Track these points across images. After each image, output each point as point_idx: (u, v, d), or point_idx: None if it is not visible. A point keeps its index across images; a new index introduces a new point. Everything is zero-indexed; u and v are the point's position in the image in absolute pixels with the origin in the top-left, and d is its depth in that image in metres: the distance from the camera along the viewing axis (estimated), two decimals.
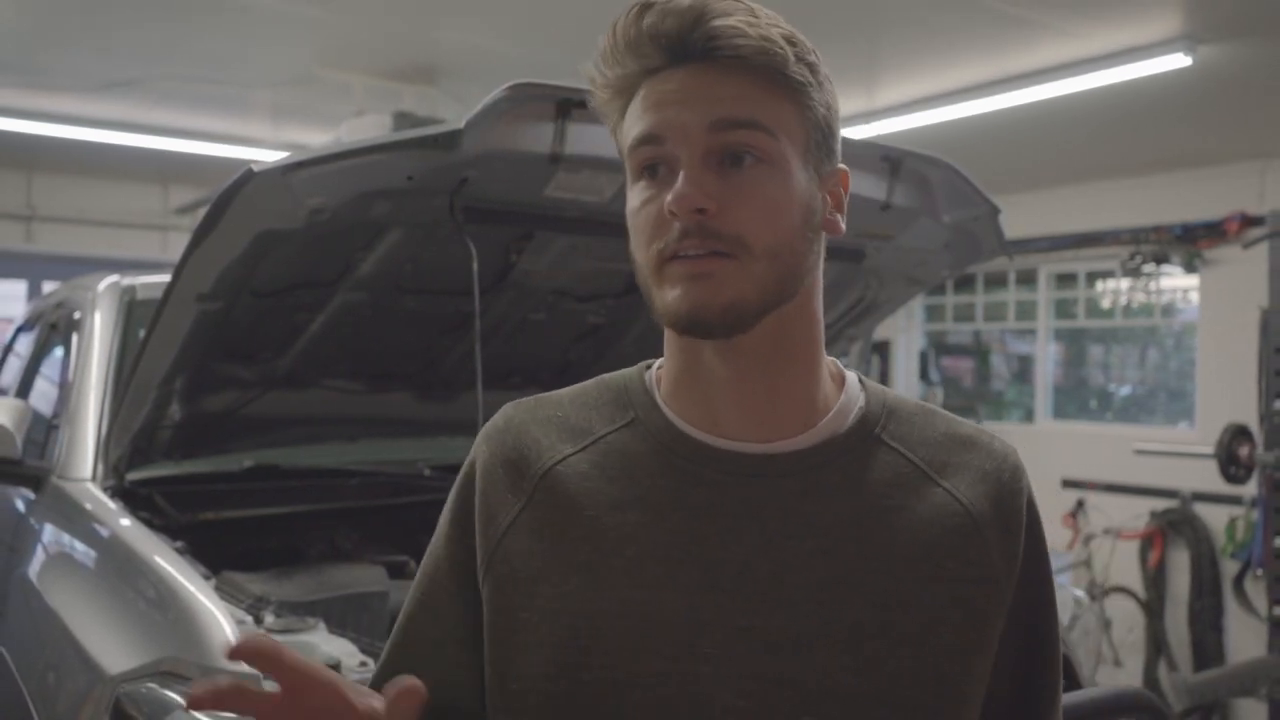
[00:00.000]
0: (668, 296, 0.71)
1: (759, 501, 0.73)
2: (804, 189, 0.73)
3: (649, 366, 0.82)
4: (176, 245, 5.76)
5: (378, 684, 0.82)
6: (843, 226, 0.77)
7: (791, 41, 0.72)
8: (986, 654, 0.75)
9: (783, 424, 0.75)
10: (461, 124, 1.51)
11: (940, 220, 2.08)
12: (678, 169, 0.71)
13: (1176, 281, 5.26)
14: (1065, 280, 5.78)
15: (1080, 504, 5.21)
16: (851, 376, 0.80)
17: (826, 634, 0.70)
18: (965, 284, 6.17)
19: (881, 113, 4.15)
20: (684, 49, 0.71)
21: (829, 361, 0.79)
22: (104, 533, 1.85)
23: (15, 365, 3.08)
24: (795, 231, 0.72)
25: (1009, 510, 0.76)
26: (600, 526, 0.73)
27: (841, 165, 0.77)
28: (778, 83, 0.71)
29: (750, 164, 0.70)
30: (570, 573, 0.73)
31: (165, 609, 1.53)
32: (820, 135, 0.74)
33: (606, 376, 0.83)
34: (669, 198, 0.69)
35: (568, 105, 1.59)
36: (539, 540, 0.74)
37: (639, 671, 0.70)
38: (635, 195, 0.74)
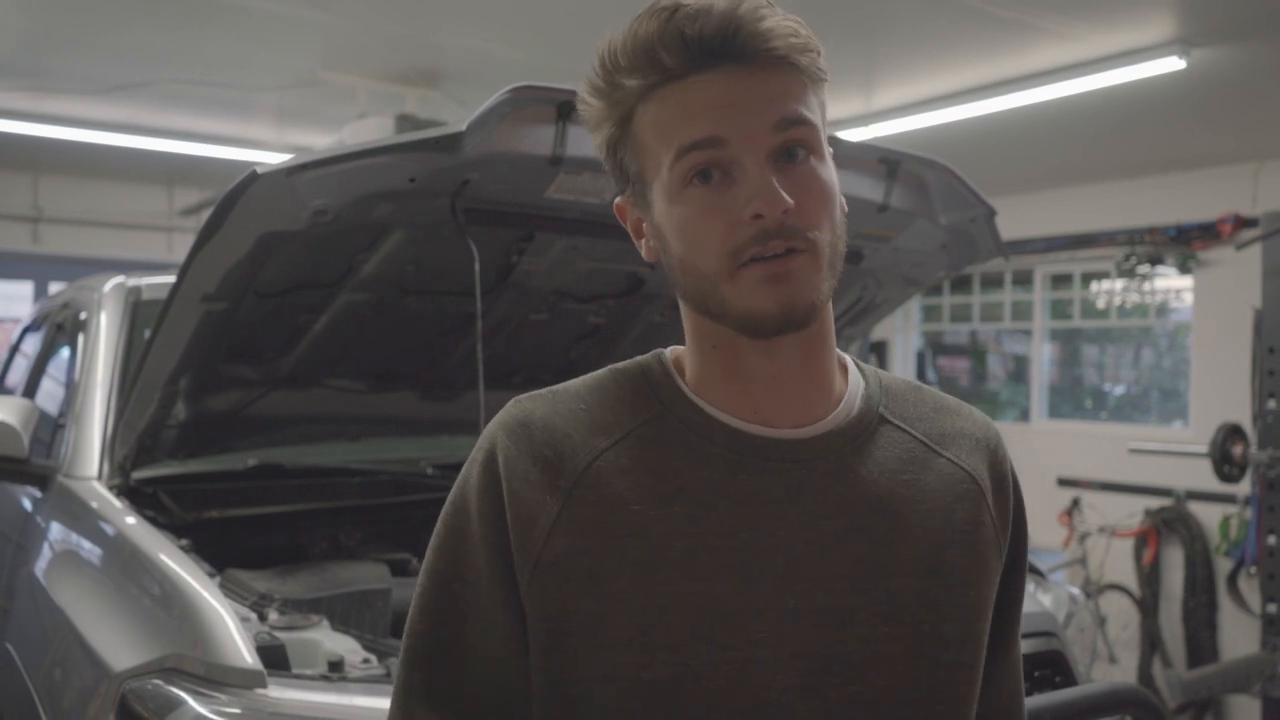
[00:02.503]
0: (751, 301, 0.71)
1: (797, 485, 0.74)
2: (835, 177, 0.75)
3: (661, 354, 0.81)
4: (182, 246, 5.77)
5: (411, 704, 0.75)
6: (846, 207, 0.78)
7: (815, 40, 0.74)
8: (992, 604, 0.80)
9: (813, 409, 0.77)
10: (463, 126, 1.51)
11: (937, 222, 2.09)
12: (737, 174, 0.70)
13: (1170, 282, 5.29)
14: (1061, 281, 5.81)
15: (1075, 502, 5.24)
16: (848, 359, 0.83)
17: (866, 606, 0.73)
18: (962, 284, 6.19)
19: (879, 115, 4.17)
20: (723, 52, 0.70)
21: None
22: (110, 531, 1.86)
23: (22, 365, 3.09)
24: (840, 220, 0.75)
25: (1000, 473, 0.82)
26: (648, 521, 0.72)
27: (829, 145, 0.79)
28: (809, 77, 0.73)
29: (802, 158, 0.72)
30: (622, 570, 0.71)
31: (170, 606, 1.53)
32: (825, 123, 0.77)
33: (618, 367, 0.81)
34: (755, 202, 0.69)
35: (568, 108, 1.60)
36: (585, 539, 0.72)
37: (699, 664, 0.70)
38: (685, 202, 0.72)
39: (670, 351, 0.81)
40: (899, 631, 0.73)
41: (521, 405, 0.78)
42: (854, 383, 0.81)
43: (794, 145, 0.71)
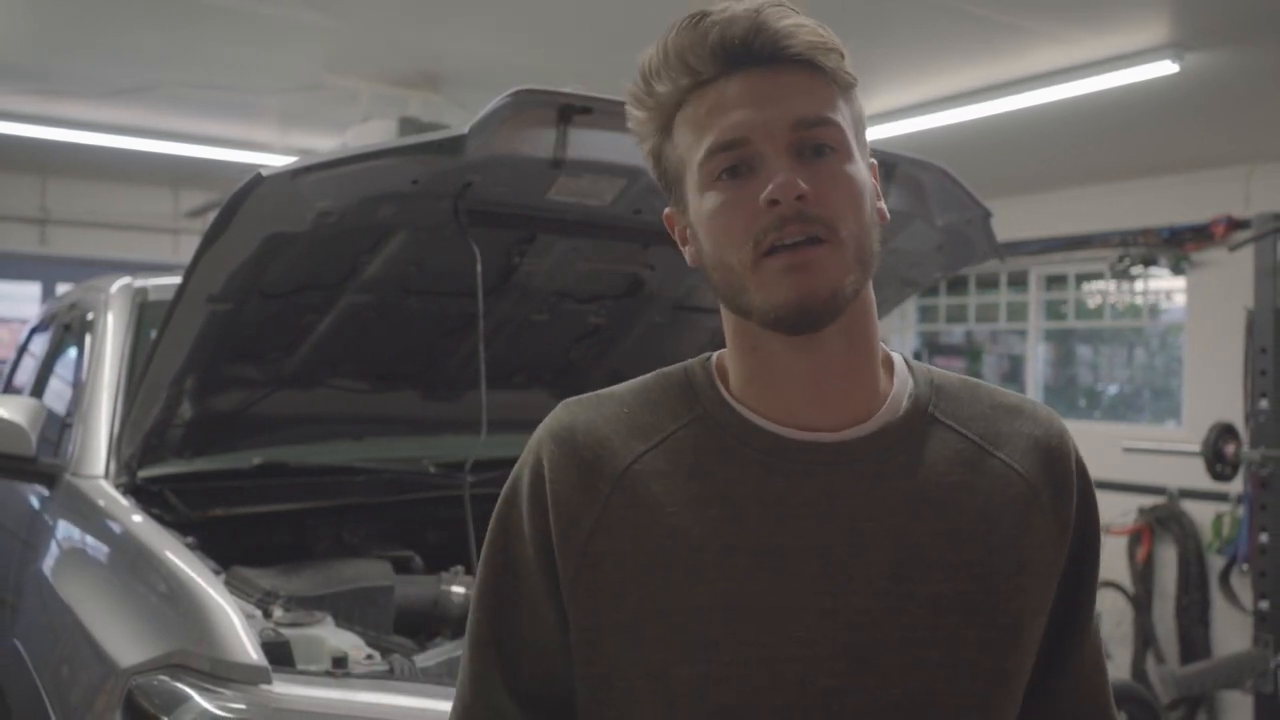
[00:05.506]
0: (771, 292, 0.72)
1: (834, 488, 0.74)
2: (866, 178, 0.77)
3: (708, 359, 0.82)
4: (187, 248, 5.76)
5: (477, 688, 0.79)
6: (887, 215, 0.79)
7: (838, 43, 0.77)
8: (1046, 611, 0.79)
9: (852, 411, 0.77)
10: (465, 129, 1.54)
11: (933, 223, 2.11)
12: (759, 166, 0.73)
13: (1163, 283, 5.32)
14: (1055, 282, 5.83)
15: None
16: (898, 358, 0.83)
17: (907, 609, 0.73)
18: (958, 285, 6.22)
19: (875, 118, 4.19)
20: (746, 54, 0.73)
21: None
22: (116, 529, 1.88)
23: (30, 365, 3.09)
24: (869, 218, 0.76)
25: (1060, 473, 0.80)
26: (683, 523, 0.74)
27: (871, 159, 0.81)
28: (835, 81, 0.76)
29: (829, 153, 0.74)
30: (658, 570, 0.73)
31: (176, 603, 1.55)
32: (861, 129, 0.79)
33: (666, 371, 0.82)
34: (769, 188, 0.71)
35: (569, 111, 1.62)
36: (623, 541, 0.74)
37: (734, 662, 0.71)
38: (713, 198, 0.74)
39: (716, 355, 0.83)
40: (940, 636, 0.72)
41: (568, 409, 0.81)
42: (901, 382, 0.80)
43: (817, 142, 0.73)
